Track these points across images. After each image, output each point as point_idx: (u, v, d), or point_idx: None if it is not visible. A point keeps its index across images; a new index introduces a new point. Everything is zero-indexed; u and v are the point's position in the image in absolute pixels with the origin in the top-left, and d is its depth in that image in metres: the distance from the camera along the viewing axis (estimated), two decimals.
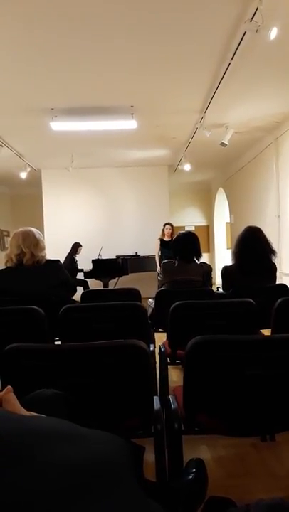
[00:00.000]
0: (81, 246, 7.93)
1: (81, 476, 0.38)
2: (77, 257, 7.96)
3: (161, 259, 7.25)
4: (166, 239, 7.31)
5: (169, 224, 7.38)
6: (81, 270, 7.78)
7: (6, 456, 0.38)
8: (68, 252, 7.75)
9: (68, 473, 0.38)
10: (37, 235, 2.66)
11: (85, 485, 0.37)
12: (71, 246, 7.82)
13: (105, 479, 0.39)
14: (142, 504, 0.40)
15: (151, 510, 0.43)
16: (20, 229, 2.68)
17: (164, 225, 7.39)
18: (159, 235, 7.40)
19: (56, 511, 0.34)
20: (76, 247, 7.88)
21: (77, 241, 7.94)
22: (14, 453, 0.39)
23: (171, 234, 7.32)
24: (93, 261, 7.69)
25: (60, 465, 0.38)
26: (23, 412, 0.67)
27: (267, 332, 2.54)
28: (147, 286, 7.44)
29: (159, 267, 7.27)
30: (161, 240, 7.34)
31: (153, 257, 7.56)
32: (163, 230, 7.37)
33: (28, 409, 0.72)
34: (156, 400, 1.51)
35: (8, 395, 0.66)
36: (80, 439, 0.44)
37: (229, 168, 9.10)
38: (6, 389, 0.67)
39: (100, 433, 0.48)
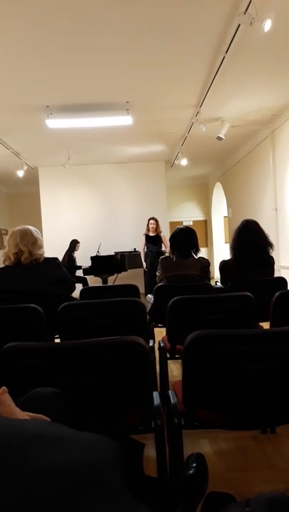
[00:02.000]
0: (79, 243, 7.91)
1: (67, 480, 0.38)
2: (76, 254, 7.95)
3: (146, 255, 7.25)
4: (151, 234, 7.29)
5: (152, 218, 7.34)
6: (80, 267, 7.78)
7: None
8: (67, 249, 7.75)
9: (55, 478, 0.38)
10: (34, 233, 2.65)
11: (71, 488, 0.37)
12: (69, 243, 7.81)
13: (90, 483, 0.39)
14: (127, 507, 0.40)
15: None
16: (17, 227, 2.67)
17: (148, 220, 7.36)
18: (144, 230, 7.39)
19: None
20: (74, 244, 7.86)
21: (76, 238, 7.93)
22: (1, 459, 0.39)
23: (156, 229, 7.30)
24: (92, 257, 7.69)
25: (47, 470, 0.38)
26: (18, 412, 0.67)
27: (266, 325, 2.55)
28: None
29: (144, 263, 7.29)
30: (146, 236, 7.32)
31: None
32: (148, 225, 7.34)
33: (25, 409, 0.72)
34: (155, 395, 1.51)
35: (3, 396, 0.66)
36: (67, 442, 0.44)
37: (226, 162, 9.08)
38: (0, 390, 0.67)
39: (89, 436, 0.48)
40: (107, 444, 0.47)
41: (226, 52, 3.79)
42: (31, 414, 0.69)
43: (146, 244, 7.30)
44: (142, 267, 7.49)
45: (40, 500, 0.36)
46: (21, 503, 0.35)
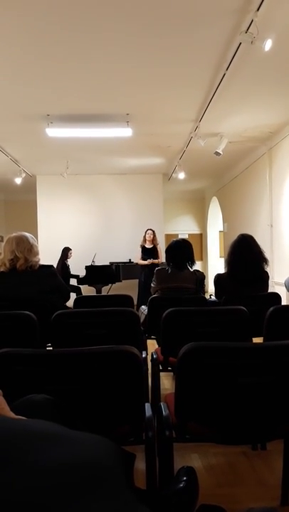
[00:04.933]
0: (71, 250, 7.89)
1: (69, 477, 0.37)
2: (70, 263, 7.94)
3: (142, 266, 7.23)
4: (148, 245, 7.28)
5: (150, 229, 7.33)
6: (77, 276, 7.74)
7: None
8: (59, 257, 7.73)
9: (56, 474, 0.37)
10: (31, 240, 2.65)
11: (72, 485, 0.37)
12: (61, 251, 7.79)
13: (92, 480, 0.39)
14: (127, 506, 0.40)
15: None
16: (14, 234, 2.67)
17: (146, 231, 7.34)
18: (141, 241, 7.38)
19: (42, 509, 0.34)
20: (66, 252, 7.84)
21: (70, 247, 7.92)
22: (4, 454, 0.39)
23: (153, 240, 7.29)
24: (87, 267, 7.67)
25: (48, 466, 0.38)
26: (12, 416, 0.66)
27: (259, 340, 2.55)
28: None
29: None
30: (143, 247, 7.30)
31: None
32: (144, 237, 7.32)
33: (18, 414, 0.72)
34: (147, 407, 1.50)
35: None
36: (69, 441, 0.44)
37: (223, 177, 9.16)
38: None
39: (91, 436, 0.48)
40: (108, 444, 0.47)
41: (227, 69, 3.85)
42: (24, 419, 0.69)
43: (142, 257, 7.28)
44: (137, 278, 7.46)
45: (42, 495, 0.36)
46: (22, 496, 0.35)
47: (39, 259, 2.64)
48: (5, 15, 3.04)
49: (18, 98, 4.60)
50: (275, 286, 5.91)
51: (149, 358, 2.76)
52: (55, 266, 3.93)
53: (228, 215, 9.21)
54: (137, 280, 7.54)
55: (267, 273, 3.09)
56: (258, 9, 2.91)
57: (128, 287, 7.54)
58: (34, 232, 7.81)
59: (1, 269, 2.58)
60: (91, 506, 0.36)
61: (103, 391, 1.35)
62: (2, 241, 9.78)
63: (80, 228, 8.63)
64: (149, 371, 2.66)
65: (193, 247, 3.37)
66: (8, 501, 0.35)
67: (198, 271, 3.28)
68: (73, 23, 3.18)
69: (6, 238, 2.69)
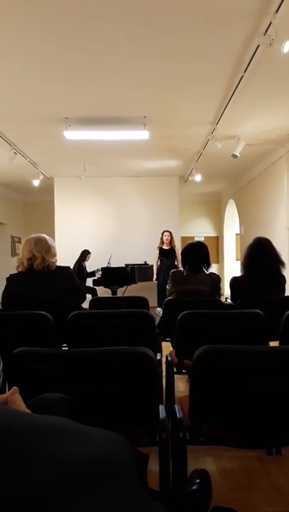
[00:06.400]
0: (90, 253, 7.96)
1: (81, 471, 0.38)
2: (87, 265, 7.99)
3: (159, 268, 7.22)
4: (165, 247, 7.26)
5: (167, 231, 7.32)
6: (93, 273, 7.78)
7: (8, 449, 0.39)
8: (77, 258, 7.80)
9: (68, 468, 0.38)
10: (49, 241, 2.70)
11: (83, 480, 0.37)
12: (80, 253, 7.87)
13: (105, 476, 0.39)
14: (142, 503, 0.40)
15: (153, 510, 0.43)
16: (32, 235, 2.72)
17: (163, 233, 7.33)
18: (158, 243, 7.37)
19: (53, 503, 0.35)
20: (85, 255, 7.92)
21: (87, 248, 7.99)
22: (16, 446, 0.40)
23: (170, 242, 7.28)
24: (102, 269, 7.72)
25: (60, 459, 0.39)
26: (28, 413, 0.68)
27: (275, 344, 2.52)
28: (155, 296, 7.44)
29: (155, 276, 7.25)
30: (160, 249, 7.28)
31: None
32: (161, 238, 7.31)
33: (33, 412, 0.73)
34: (161, 408, 1.50)
35: (14, 395, 0.67)
36: (83, 436, 0.45)
37: (240, 180, 9.10)
38: (12, 390, 0.68)
39: (106, 433, 0.48)
40: (122, 441, 0.48)
41: (245, 71, 3.84)
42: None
43: (159, 258, 7.27)
44: (152, 280, 7.47)
45: (51, 489, 0.36)
46: (31, 489, 0.36)
47: (56, 261, 2.67)
48: (26, 21, 3.09)
49: (37, 101, 4.67)
50: None
51: (163, 360, 2.76)
52: (71, 267, 3.97)
53: (245, 218, 9.15)
54: (152, 282, 7.56)
55: (284, 276, 3.06)
56: (276, 11, 2.90)
57: (143, 289, 7.55)
58: (51, 233, 7.89)
59: (19, 269, 2.62)
60: (101, 501, 0.37)
61: (118, 392, 1.36)
62: (19, 242, 9.91)
63: (97, 230, 8.69)
64: (164, 373, 2.66)
65: (210, 249, 3.35)
66: (6, 492, 0.35)
67: (213, 273, 3.27)
68: (91, 27, 3.21)
69: (24, 239, 2.73)
